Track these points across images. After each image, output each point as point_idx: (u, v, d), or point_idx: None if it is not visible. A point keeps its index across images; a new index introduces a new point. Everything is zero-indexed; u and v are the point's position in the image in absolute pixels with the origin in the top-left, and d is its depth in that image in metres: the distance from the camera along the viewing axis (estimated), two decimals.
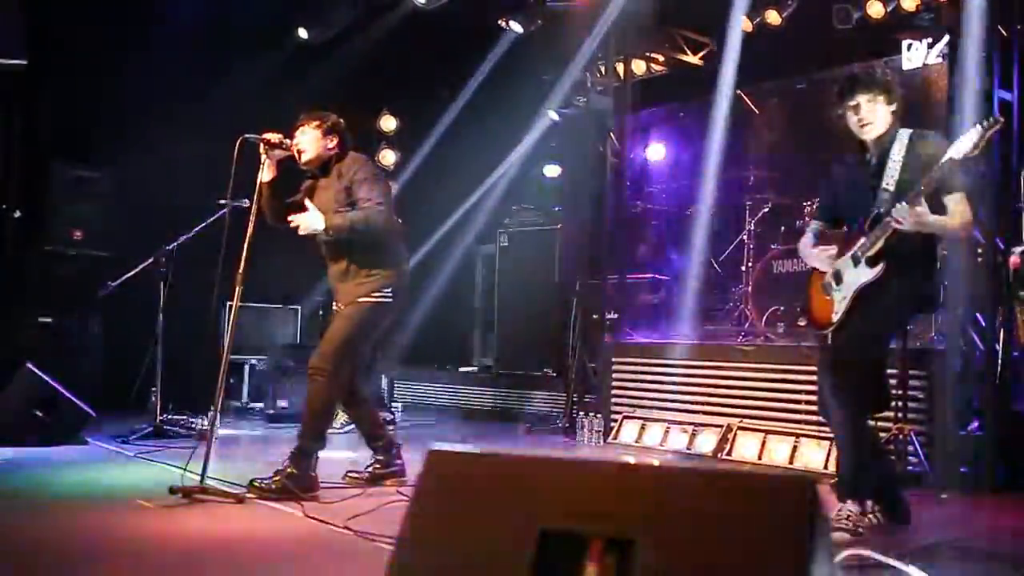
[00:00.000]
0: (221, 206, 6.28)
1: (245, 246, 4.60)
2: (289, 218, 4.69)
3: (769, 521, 1.53)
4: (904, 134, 4.03)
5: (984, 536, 4.11)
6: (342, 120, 4.93)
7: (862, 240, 4.00)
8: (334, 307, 4.96)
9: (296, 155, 4.81)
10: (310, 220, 4.63)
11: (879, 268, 3.92)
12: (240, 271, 4.61)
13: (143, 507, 4.18)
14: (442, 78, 9.78)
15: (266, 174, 4.78)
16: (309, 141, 4.82)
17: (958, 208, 3.88)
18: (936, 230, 3.94)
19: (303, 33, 9.12)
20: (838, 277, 4.10)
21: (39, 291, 7.83)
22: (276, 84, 8.65)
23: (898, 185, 3.93)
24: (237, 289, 4.61)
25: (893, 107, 4.03)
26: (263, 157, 4.75)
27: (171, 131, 8.08)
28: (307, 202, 4.74)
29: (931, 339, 5.98)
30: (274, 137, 4.75)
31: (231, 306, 4.65)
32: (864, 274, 3.97)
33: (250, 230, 4.64)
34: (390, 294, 4.80)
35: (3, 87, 7.83)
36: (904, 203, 3.78)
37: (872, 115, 4.00)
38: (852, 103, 4.03)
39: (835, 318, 4.07)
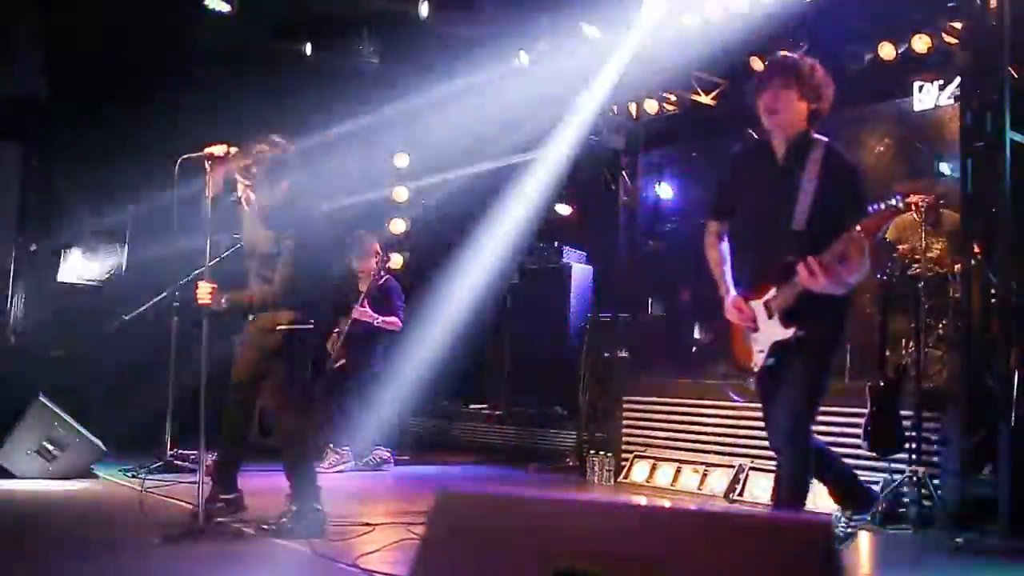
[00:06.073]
0: (236, 240, 6.32)
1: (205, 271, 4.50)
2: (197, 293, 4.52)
3: (784, 562, 1.52)
4: (821, 143, 3.68)
5: None
6: (291, 148, 4.66)
7: (772, 292, 3.69)
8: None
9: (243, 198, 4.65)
10: (206, 298, 4.50)
11: (792, 330, 3.63)
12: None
13: (153, 544, 4.16)
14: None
15: (211, 191, 4.49)
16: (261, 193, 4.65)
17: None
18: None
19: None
20: (755, 322, 3.78)
21: (52, 325, 7.88)
22: (293, 122, 8.72)
23: (811, 211, 3.59)
24: (204, 322, 4.48)
25: (809, 105, 3.67)
26: (207, 175, 4.46)
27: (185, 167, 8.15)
28: (201, 283, 4.54)
29: (945, 381, 5.94)
30: (218, 150, 4.46)
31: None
32: (777, 332, 3.68)
33: (207, 253, 4.51)
34: (311, 322, 4.71)
35: (20, 122, 7.93)
36: (814, 271, 3.45)
37: (779, 103, 3.65)
38: (763, 88, 3.68)
39: (754, 368, 3.80)
